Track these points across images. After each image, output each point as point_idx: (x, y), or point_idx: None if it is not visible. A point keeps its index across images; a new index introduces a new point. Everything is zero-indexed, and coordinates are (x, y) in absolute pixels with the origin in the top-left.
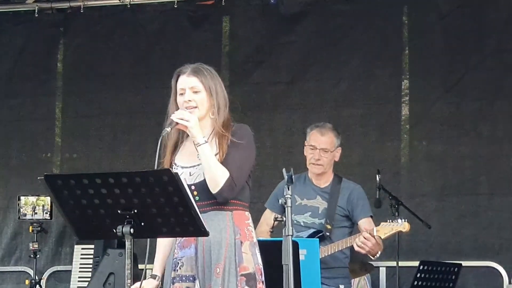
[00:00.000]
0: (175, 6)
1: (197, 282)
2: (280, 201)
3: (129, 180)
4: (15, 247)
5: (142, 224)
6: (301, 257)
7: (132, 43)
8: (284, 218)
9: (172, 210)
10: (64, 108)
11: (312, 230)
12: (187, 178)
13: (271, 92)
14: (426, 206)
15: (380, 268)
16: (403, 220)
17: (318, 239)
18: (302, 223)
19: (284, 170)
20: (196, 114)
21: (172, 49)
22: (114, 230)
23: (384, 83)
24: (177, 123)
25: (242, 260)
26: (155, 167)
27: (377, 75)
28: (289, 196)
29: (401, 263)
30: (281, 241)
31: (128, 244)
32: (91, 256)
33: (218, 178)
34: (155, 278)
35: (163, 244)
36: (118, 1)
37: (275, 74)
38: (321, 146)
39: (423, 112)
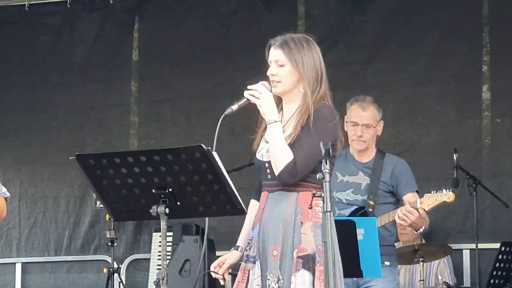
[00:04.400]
0: None
1: (257, 263)
2: (318, 176)
3: (161, 158)
4: (93, 236)
5: (178, 203)
6: (359, 237)
7: (205, 27)
8: (323, 194)
9: (207, 188)
10: (139, 94)
11: (354, 207)
12: (264, 154)
13: (346, 72)
14: (509, 185)
15: (464, 251)
16: (447, 190)
17: (375, 217)
18: (344, 200)
19: (321, 144)
20: (280, 88)
21: (245, 31)
22: (150, 210)
23: (462, 60)
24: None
25: (300, 242)
26: (214, 147)
27: (454, 52)
28: (327, 170)
29: (483, 245)
30: (339, 221)
31: (163, 224)
32: (170, 244)
33: (279, 161)
34: (238, 250)
35: (250, 217)
36: None
37: (350, 54)
38: (363, 121)
39: (504, 88)
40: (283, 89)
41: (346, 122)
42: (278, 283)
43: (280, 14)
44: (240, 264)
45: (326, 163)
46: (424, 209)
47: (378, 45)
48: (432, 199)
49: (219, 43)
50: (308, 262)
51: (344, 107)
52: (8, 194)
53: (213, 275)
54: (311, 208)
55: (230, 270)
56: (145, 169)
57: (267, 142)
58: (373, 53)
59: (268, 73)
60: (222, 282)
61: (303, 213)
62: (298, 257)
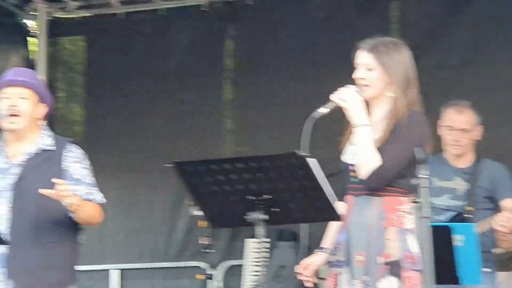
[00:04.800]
0: None
1: (346, 268)
2: (412, 181)
3: (258, 165)
4: (189, 243)
5: (274, 210)
6: (459, 243)
7: (299, 33)
8: (420, 200)
9: (304, 194)
10: (233, 101)
11: (450, 213)
12: (349, 157)
13: (441, 77)
14: None
15: None
16: None
17: (474, 223)
18: (439, 206)
19: (415, 149)
20: (368, 93)
21: (340, 37)
22: (245, 217)
23: None
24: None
25: (384, 247)
26: (305, 150)
27: None
28: (424, 176)
29: None
30: (434, 227)
31: (260, 230)
32: (264, 250)
33: (367, 165)
34: (323, 251)
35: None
36: None
37: (445, 59)
38: (460, 126)
39: None
40: (372, 93)
41: (441, 126)
42: None
43: (374, 18)
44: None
45: (423, 169)
46: None
47: (474, 49)
48: None
49: (313, 49)
50: (395, 268)
51: (438, 113)
52: (104, 200)
53: (299, 277)
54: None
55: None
56: (242, 176)
57: (353, 145)
58: (469, 57)
59: (357, 76)
60: (309, 285)
61: (387, 218)
62: (384, 263)
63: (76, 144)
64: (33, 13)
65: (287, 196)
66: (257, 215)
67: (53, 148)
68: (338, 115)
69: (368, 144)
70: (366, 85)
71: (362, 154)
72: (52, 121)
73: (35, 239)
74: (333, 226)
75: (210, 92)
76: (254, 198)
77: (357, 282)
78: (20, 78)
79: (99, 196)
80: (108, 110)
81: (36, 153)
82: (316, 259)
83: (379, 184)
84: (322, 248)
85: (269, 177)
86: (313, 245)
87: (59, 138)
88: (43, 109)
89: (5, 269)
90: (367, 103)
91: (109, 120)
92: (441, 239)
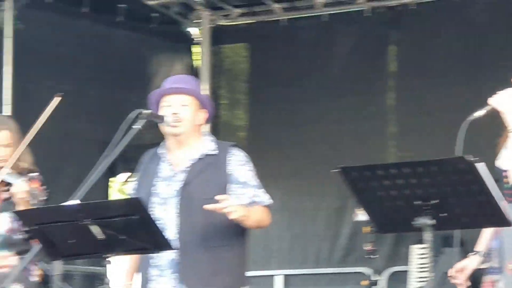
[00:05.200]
0: None
1: (501, 276)
2: None
3: (425, 169)
4: (353, 248)
5: (441, 215)
6: None
7: (461, 37)
8: None
9: (472, 199)
10: (396, 106)
11: None
12: (503, 162)
13: None
14: None
15: None
16: None
17: None
18: None
19: None
20: None
21: (502, 41)
22: (412, 222)
23: None
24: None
25: None
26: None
27: None
28: None
29: None
30: None
31: (427, 236)
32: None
33: None
34: (477, 255)
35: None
36: None
37: None
38: None
39: None
40: None
41: None
42: None
43: None
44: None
45: None
46: None
47: None
48: None
49: (476, 53)
50: None
51: None
52: (271, 201)
53: (452, 281)
54: None
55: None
56: (409, 180)
57: (508, 150)
58: None
59: None
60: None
61: None
62: None
63: (238, 147)
64: (196, 21)
65: (455, 201)
66: (424, 220)
67: (216, 152)
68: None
69: None
70: None
71: None
72: (216, 128)
73: (204, 244)
74: (487, 230)
75: (373, 97)
76: (421, 203)
77: None
78: (181, 86)
79: (265, 198)
80: (272, 116)
81: (200, 158)
82: (470, 263)
83: None
84: (476, 252)
85: (436, 182)
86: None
87: (221, 143)
88: (203, 115)
89: (176, 274)
90: None
91: (273, 126)
92: None
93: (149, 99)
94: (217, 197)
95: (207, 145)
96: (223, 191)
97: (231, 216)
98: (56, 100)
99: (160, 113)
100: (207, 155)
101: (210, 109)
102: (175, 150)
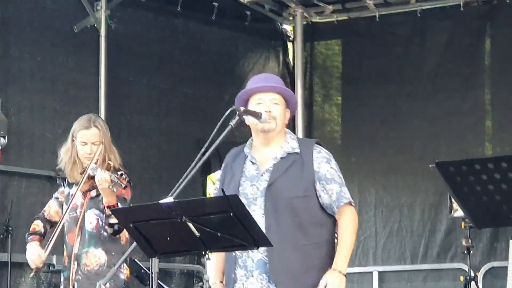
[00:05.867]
0: None
1: None
2: None
3: None
4: (449, 244)
5: None
6: None
7: None
8: None
9: None
10: (493, 101)
11: None
12: None
13: None
14: None
15: None
16: None
17: None
18: None
19: None
20: None
21: None
22: (511, 216)
23: None
24: None
25: None
26: None
27: None
28: None
29: None
30: None
31: None
32: None
33: None
34: None
35: None
36: None
37: None
38: None
39: None
40: None
41: None
42: None
43: None
44: None
45: None
46: None
47: None
48: None
49: None
50: None
51: None
52: (351, 199)
53: None
54: None
55: None
56: (507, 175)
57: None
58: None
59: None
60: None
61: None
62: None
63: (321, 144)
64: (290, 18)
65: None
66: None
67: (298, 150)
68: None
69: None
70: None
71: None
72: (310, 124)
73: (293, 243)
74: None
75: (470, 92)
76: None
77: None
78: (272, 84)
79: (348, 195)
80: (365, 113)
81: (282, 157)
82: None
83: None
84: None
85: None
86: None
87: (304, 140)
88: (289, 115)
89: (264, 274)
90: None
91: (367, 122)
92: None
93: (239, 97)
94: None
95: (290, 143)
96: (310, 188)
97: None
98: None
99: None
100: (290, 153)
101: (294, 108)
102: (261, 148)
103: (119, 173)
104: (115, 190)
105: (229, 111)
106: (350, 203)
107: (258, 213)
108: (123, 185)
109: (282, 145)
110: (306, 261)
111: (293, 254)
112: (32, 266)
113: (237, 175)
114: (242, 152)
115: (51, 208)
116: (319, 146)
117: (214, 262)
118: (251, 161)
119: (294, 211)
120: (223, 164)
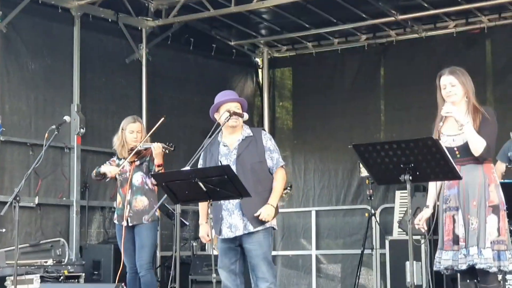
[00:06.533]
0: None
1: (459, 211)
2: (509, 154)
3: (406, 145)
4: (360, 193)
5: (417, 173)
6: None
7: None
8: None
9: (436, 163)
10: (386, 106)
11: None
12: (451, 143)
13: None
14: None
15: None
16: None
17: None
18: None
19: (511, 133)
20: (453, 98)
21: None
22: (399, 178)
23: None
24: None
25: (489, 196)
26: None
27: None
28: None
29: None
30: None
31: (408, 186)
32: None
33: (479, 146)
34: (428, 207)
35: (432, 185)
36: None
37: None
38: None
39: None
40: (456, 99)
41: None
42: (477, 221)
43: None
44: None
45: None
46: None
47: None
48: None
49: None
50: (495, 209)
51: None
52: (284, 163)
53: (417, 227)
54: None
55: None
56: (396, 152)
57: (449, 136)
58: None
59: (446, 91)
60: (423, 230)
61: (488, 177)
62: (489, 206)
63: (265, 130)
64: (260, 54)
65: (425, 164)
66: (406, 177)
67: (252, 134)
68: None
69: (475, 135)
70: (454, 94)
71: (474, 142)
72: (274, 122)
73: (255, 190)
74: (432, 189)
75: (371, 100)
76: (403, 166)
77: (473, 218)
78: (234, 97)
79: (281, 162)
80: (307, 113)
81: (243, 139)
82: (425, 213)
83: (488, 156)
84: (428, 205)
85: (413, 152)
86: None
87: (254, 129)
88: (246, 115)
89: (240, 211)
90: None
91: (308, 119)
92: None
93: (213, 107)
94: (255, 214)
95: (247, 131)
96: (262, 156)
97: (266, 220)
98: (162, 120)
99: (222, 114)
100: (247, 136)
101: (246, 110)
102: (229, 136)
103: (166, 143)
104: (167, 152)
105: (224, 113)
106: (282, 167)
107: None
108: (172, 149)
109: (242, 133)
110: (261, 200)
111: (255, 197)
112: (109, 175)
113: (215, 154)
114: (216, 140)
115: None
116: (264, 131)
117: (200, 209)
118: (223, 145)
119: (255, 171)
120: (202, 151)
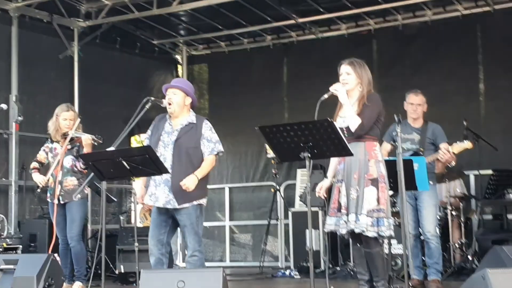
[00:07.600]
0: None
1: (343, 183)
2: (393, 134)
3: (305, 127)
4: (266, 171)
5: (315, 151)
6: (416, 168)
7: None
8: (396, 144)
9: (331, 142)
10: (288, 99)
11: (411, 152)
12: (341, 124)
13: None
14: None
15: (470, 175)
16: (467, 141)
17: (424, 157)
18: (405, 148)
19: (395, 115)
20: (347, 87)
21: None
22: (300, 155)
23: None
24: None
25: (369, 170)
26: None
27: None
28: (399, 131)
29: (483, 172)
30: (404, 159)
31: (307, 163)
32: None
33: (352, 123)
34: (328, 178)
35: (334, 160)
36: None
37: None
38: (417, 102)
39: None
40: (349, 87)
41: (406, 103)
42: (357, 192)
43: None
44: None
45: (398, 126)
46: (454, 152)
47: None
48: (458, 146)
49: None
50: (374, 182)
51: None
52: (222, 150)
53: (317, 195)
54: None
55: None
56: (297, 133)
57: (341, 117)
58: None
59: (341, 78)
60: (323, 197)
61: (368, 154)
62: (368, 179)
63: (207, 119)
64: (179, 52)
65: (322, 143)
66: (305, 154)
67: (195, 121)
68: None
69: (351, 113)
70: (346, 83)
71: (350, 119)
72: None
73: (186, 171)
74: (333, 163)
75: (275, 93)
76: (303, 144)
77: (353, 189)
78: (173, 84)
79: (219, 148)
80: (222, 103)
81: (186, 125)
82: (325, 183)
83: (362, 132)
84: (327, 176)
85: (312, 133)
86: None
87: (199, 117)
88: (190, 99)
89: (167, 187)
90: (347, 93)
91: (223, 108)
92: (407, 165)
93: (163, 90)
94: (181, 183)
95: (192, 118)
96: (198, 142)
97: (189, 189)
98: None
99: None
100: (190, 123)
101: (192, 95)
102: (174, 119)
103: (95, 135)
104: (95, 144)
105: (145, 100)
106: (216, 155)
107: (168, 153)
108: (101, 141)
109: (187, 118)
110: None
111: (185, 176)
112: (39, 184)
113: (160, 130)
114: (164, 117)
115: (40, 155)
116: (206, 120)
117: (140, 183)
118: (169, 124)
119: (189, 155)
120: (153, 122)
